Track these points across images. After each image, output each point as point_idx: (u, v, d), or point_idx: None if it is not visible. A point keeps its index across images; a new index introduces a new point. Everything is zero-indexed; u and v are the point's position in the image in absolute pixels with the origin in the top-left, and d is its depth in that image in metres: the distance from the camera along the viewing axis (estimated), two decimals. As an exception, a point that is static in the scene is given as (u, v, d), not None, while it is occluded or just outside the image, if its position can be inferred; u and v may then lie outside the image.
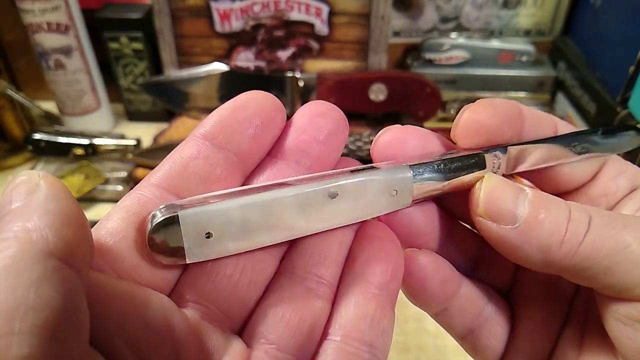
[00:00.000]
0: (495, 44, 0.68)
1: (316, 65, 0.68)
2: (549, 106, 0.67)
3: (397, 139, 0.20)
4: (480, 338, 0.22)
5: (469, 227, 0.23)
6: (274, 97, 0.19)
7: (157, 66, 0.69)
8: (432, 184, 0.20)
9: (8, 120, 0.65)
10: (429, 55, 0.68)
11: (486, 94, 0.68)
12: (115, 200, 0.59)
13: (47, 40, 0.62)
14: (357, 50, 0.67)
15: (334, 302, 0.19)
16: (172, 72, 0.68)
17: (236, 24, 0.66)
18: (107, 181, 0.60)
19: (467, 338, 0.23)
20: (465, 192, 0.20)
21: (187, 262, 0.17)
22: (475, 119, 0.20)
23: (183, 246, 0.17)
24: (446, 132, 0.21)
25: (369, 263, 0.19)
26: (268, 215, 0.17)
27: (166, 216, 0.16)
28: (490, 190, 0.19)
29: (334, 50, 0.67)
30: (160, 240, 0.16)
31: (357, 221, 0.20)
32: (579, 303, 0.22)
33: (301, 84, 0.65)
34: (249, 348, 0.18)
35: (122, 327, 0.15)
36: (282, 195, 0.18)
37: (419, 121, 0.66)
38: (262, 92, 0.19)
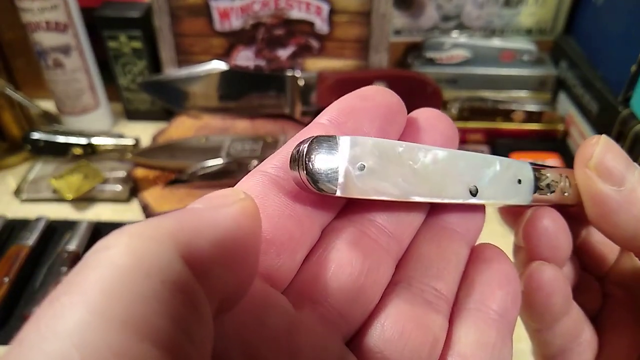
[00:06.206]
0: (496, 42, 0.68)
1: (316, 64, 0.68)
2: (551, 105, 0.67)
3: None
4: None
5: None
6: (395, 94, 0.19)
7: (156, 65, 0.68)
8: (550, 184, 0.20)
9: (6, 120, 0.64)
10: (430, 54, 0.68)
11: (487, 93, 0.67)
12: (115, 200, 0.60)
13: (46, 39, 0.62)
14: (358, 49, 0.66)
15: (450, 323, 0.18)
16: (172, 71, 0.67)
17: (236, 23, 0.66)
18: (106, 181, 0.60)
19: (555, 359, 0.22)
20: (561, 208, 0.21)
21: (339, 192, 0.16)
22: None
23: (337, 168, 0.16)
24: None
25: (488, 286, 0.18)
26: (413, 158, 0.17)
27: (326, 133, 0.16)
28: (609, 149, 0.19)
29: (334, 49, 0.67)
30: (316, 153, 0.15)
31: (487, 202, 0.19)
32: None
33: (301, 83, 0.65)
34: None
35: (239, 335, 0.13)
36: (428, 147, 0.18)
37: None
38: (384, 88, 0.19)
